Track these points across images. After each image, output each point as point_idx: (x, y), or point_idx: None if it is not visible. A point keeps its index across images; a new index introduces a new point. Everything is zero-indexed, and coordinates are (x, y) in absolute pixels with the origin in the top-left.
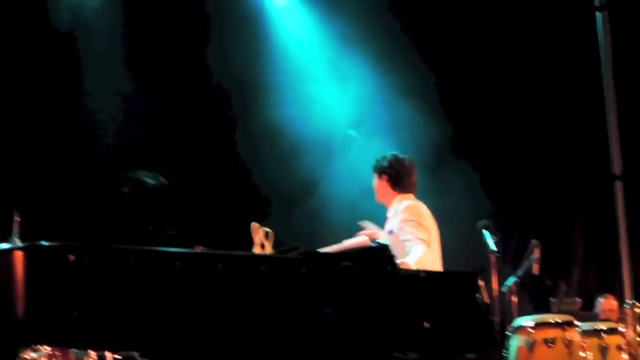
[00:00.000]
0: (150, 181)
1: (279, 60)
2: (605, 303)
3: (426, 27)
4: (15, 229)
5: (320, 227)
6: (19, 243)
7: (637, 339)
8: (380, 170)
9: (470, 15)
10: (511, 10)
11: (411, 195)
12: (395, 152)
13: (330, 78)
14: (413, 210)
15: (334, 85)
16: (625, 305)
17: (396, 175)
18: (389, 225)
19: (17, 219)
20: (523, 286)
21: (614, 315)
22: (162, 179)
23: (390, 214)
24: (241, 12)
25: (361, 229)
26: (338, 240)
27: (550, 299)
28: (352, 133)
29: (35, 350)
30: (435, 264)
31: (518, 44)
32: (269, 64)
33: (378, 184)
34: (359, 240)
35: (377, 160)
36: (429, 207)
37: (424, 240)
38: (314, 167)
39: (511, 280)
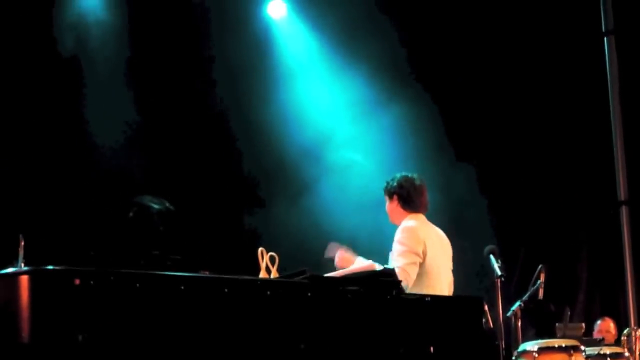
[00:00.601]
0: (155, 206)
1: (278, 73)
2: (603, 324)
3: (431, 49)
4: (21, 252)
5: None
6: (24, 267)
7: None
8: (392, 192)
9: (478, 36)
10: (519, 35)
11: (421, 216)
12: (404, 173)
13: (328, 90)
14: (406, 232)
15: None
16: (628, 331)
17: (407, 195)
18: None
19: (22, 242)
20: (528, 311)
21: (610, 337)
22: (167, 203)
23: None
24: (242, 27)
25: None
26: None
27: (556, 324)
28: (357, 157)
29: None
30: (436, 289)
31: (526, 68)
32: (269, 77)
33: (390, 205)
34: (364, 264)
35: (387, 182)
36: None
37: (408, 262)
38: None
39: (516, 305)
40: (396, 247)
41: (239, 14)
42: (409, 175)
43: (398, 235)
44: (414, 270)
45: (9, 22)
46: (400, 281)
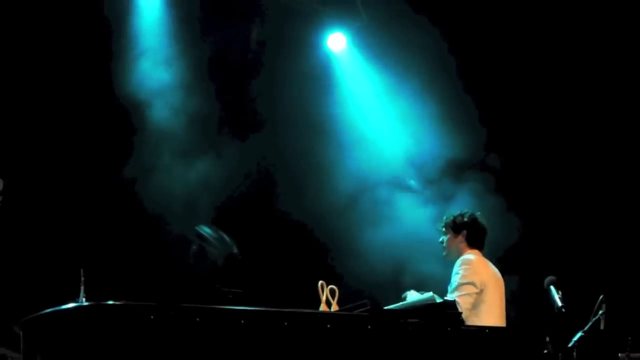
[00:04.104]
0: (216, 240)
1: (339, 105)
2: None
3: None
4: (82, 287)
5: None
6: (85, 302)
7: None
8: (460, 227)
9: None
10: (577, 48)
11: (477, 251)
12: (468, 210)
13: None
14: (466, 265)
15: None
16: None
17: (476, 233)
18: None
19: (83, 277)
20: (590, 341)
21: None
22: (227, 237)
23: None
24: (302, 60)
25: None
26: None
27: (619, 354)
28: (412, 183)
29: None
30: (491, 321)
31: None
32: (329, 110)
33: (452, 240)
34: (424, 296)
35: (454, 217)
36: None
37: (467, 293)
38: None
39: (577, 336)
40: (455, 279)
41: (299, 47)
42: (476, 213)
43: (458, 267)
44: (472, 302)
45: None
46: (461, 313)
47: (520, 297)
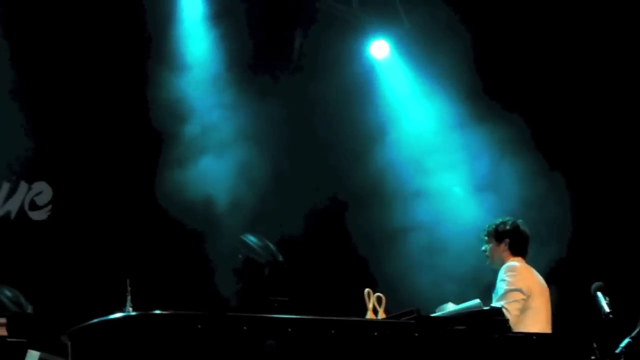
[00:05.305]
0: (261, 249)
1: (381, 113)
2: None
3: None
4: (128, 297)
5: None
6: (132, 312)
7: None
8: (503, 234)
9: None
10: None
11: (520, 259)
12: (510, 218)
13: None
14: (511, 271)
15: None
16: None
17: (519, 240)
18: None
19: (129, 287)
20: (637, 347)
21: None
22: (272, 245)
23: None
24: (344, 68)
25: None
26: None
27: None
28: (457, 189)
29: None
30: (537, 328)
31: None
32: (372, 117)
33: (495, 247)
34: (470, 303)
35: (496, 225)
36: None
37: (514, 300)
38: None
39: (625, 342)
40: (501, 286)
41: (341, 55)
42: (518, 220)
43: (503, 274)
44: (519, 309)
45: None
46: (508, 320)
47: (567, 304)
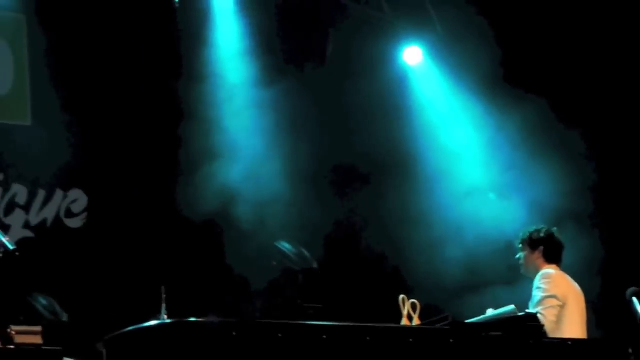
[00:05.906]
0: (295, 256)
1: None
2: None
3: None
4: (163, 305)
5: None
6: (167, 319)
7: None
8: (537, 243)
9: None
10: None
11: (555, 266)
12: (545, 226)
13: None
14: (547, 278)
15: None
16: None
17: (553, 248)
18: None
19: (164, 295)
20: None
21: None
22: (306, 252)
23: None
24: (378, 74)
25: None
26: None
27: None
28: (491, 196)
29: None
30: (573, 334)
31: None
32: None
33: (530, 256)
34: (505, 309)
35: (530, 233)
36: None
37: (550, 306)
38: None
39: None
40: (537, 293)
41: (374, 61)
42: (552, 228)
43: (539, 282)
44: (556, 315)
45: None
46: (543, 325)
47: (602, 309)
